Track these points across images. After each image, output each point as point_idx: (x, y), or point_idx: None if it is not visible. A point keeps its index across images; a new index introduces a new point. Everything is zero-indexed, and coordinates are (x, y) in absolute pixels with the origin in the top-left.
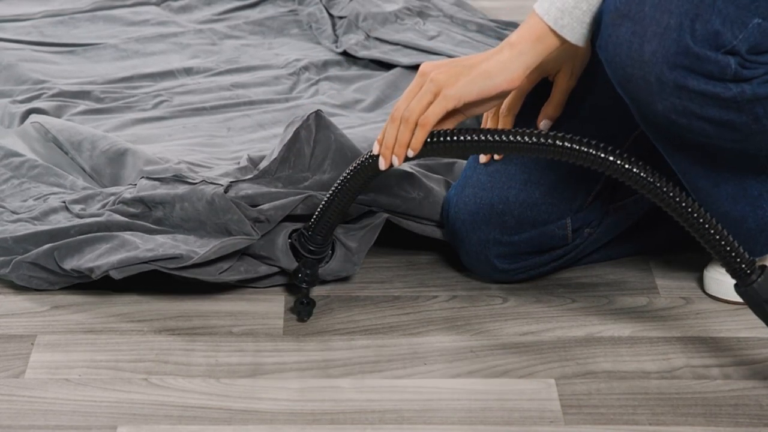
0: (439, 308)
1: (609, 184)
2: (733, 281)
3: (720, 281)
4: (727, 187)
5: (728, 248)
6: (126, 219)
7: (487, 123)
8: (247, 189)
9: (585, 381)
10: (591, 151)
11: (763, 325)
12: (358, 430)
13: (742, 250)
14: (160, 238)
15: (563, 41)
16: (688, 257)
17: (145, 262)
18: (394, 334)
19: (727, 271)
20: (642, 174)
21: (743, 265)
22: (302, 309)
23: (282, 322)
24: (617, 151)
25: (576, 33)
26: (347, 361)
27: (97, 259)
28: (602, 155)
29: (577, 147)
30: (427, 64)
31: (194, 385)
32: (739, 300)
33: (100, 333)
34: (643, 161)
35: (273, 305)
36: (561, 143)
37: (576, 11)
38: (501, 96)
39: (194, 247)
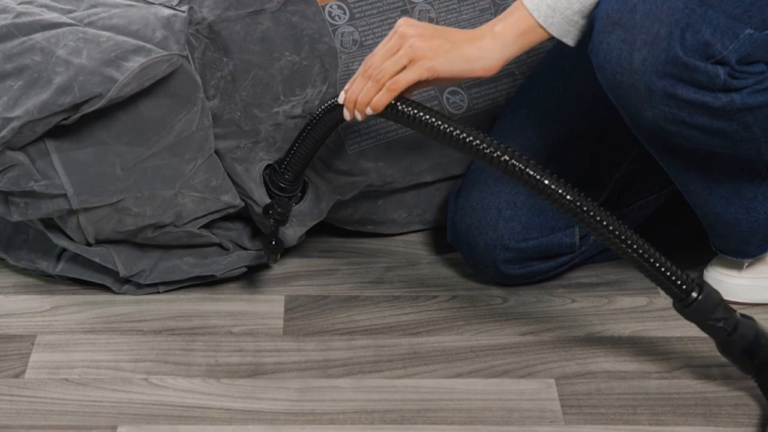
0: (439, 308)
1: (615, 192)
2: (732, 281)
3: (720, 281)
4: (720, 190)
5: (665, 271)
6: None
7: None
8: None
9: (585, 381)
10: (528, 170)
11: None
12: (358, 430)
13: (679, 271)
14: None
15: (549, 37)
16: (688, 258)
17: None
18: (394, 334)
19: (666, 293)
20: (569, 198)
21: (684, 286)
22: (270, 249)
23: (282, 322)
24: (552, 175)
25: (562, 29)
26: (347, 361)
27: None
28: (538, 177)
29: (514, 162)
30: (408, 25)
31: (194, 385)
32: (740, 300)
33: (100, 333)
34: (571, 185)
35: (273, 305)
36: (496, 153)
37: (567, 11)
38: (474, 79)
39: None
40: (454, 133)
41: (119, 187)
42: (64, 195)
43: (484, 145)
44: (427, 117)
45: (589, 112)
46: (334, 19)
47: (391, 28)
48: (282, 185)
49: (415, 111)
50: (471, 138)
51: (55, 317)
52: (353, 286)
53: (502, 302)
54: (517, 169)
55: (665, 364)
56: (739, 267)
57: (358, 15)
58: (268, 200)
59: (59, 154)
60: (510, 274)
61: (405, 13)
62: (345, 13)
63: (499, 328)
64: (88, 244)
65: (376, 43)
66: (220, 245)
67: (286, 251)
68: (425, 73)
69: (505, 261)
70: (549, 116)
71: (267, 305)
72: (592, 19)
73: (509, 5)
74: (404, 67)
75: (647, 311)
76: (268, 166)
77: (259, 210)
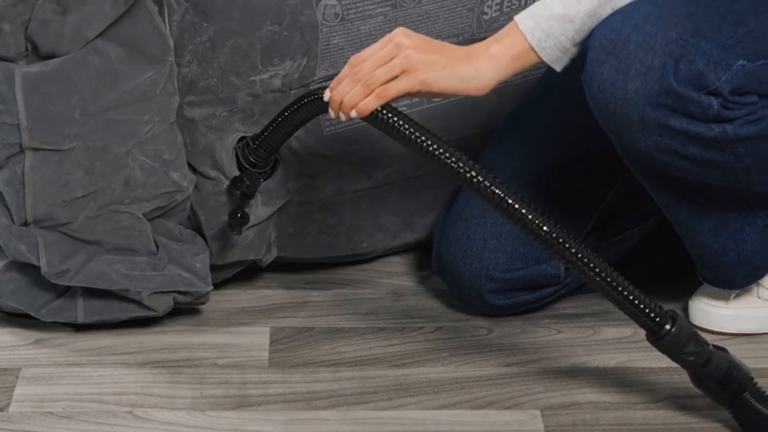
0: (425, 339)
1: (600, 223)
2: (718, 311)
3: (705, 312)
4: (709, 221)
5: (638, 303)
6: None
7: None
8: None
9: (570, 412)
10: (506, 198)
11: (747, 356)
12: None
13: (652, 304)
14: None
15: (541, 61)
16: (673, 288)
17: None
18: (380, 366)
19: (639, 326)
20: (537, 222)
21: (657, 319)
22: (234, 221)
23: (267, 353)
24: (525, 201)
25: (553, 55)
26: (332, 392)
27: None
28: (516, 206)
29: (492, 187)
30: (405, 35)
31: (179, 418)
32: (725, 331)
33: (85, 366)
34: (540, 210)
35: (258, 337)
36: (476, 177)
37: (561, 37)
38: (463, 97)
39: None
40: (437, 152)
41: (74, 132)
42: (17, 126)
43: (466, 168)
44: (411, 130)
45: (575, 143)
46: None
47: (375, 4)
48: (253, 160)
49: (401, 122)
50: (453, 159)
51: (39, 350)
52: (338, 317)
53: (488, 333)
54: (495, 195)
55: (650, 394)
56: (725, 298)
57: None
58: (237, 172)
59: (24, 81)
60: (495, 304)
61: None
62: None
63: (484, 359)
64: (25, 225)
65: (357, 17)
66: (155, 255)
67: (271, 283)
68: (417, 85)
69: (490, 291)
70: (535, 145)
71: (252, 337)
72: (585, 48)
73: None
74: (395, 77)
75: (632, 342)
76: (241, 139)
77: (226, 182)
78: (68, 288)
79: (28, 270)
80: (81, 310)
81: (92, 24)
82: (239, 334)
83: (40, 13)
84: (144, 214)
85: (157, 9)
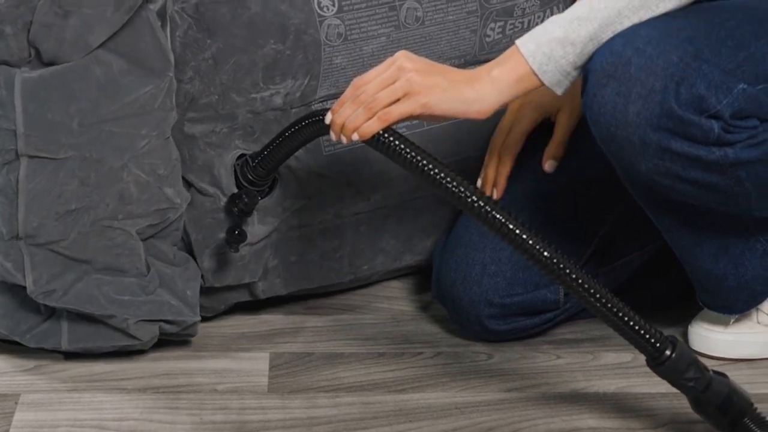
0: (424, 365)
1: (600, 248)
2: (718, 337)
3: (705, 337)
4: (709, 246)
5: (639, 329)
6: None
7: (488, 163)
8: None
9: None
10: (501, 219)
11: (747, 381)
12: None
13: (652, 329)
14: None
15: (542, 85)
16: (673, 313)
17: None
18: (379, 391)
19: (640, 351)
20: (545, 253)
21: (657, 344)
22: (232, 238)
23: (267, 379)
24: (526, 226)
25: (554, 79)
26: (332, 418)
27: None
28: (517, 231)
29: (490, 211)
30: (407, 58)
31: None
32: (725, 356)
33: (84, 392)
34: (541, 236)
35: (258, 362)
36: (477, 201)
37: (562, 61)
38: (465, 120)
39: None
40: (438, 176)
41: (71, 141)
42: (14, 132)
43: (467, 192)
44: (413, 154)
45: (575, 167)
46: (322, 10)
47: (378, 24)
48: (252, 178)
49: (402, 145)
50: (454, 183)
51: (38, 376)
52: (338, 342)
53: (487, 358)
54: (495, 220)
55: (650, 420)
56: (725, 323)
57: (346, 8)
58: (235, 189)
59: (23, 87)
60: (494, 329)
61: (393, 9)
62: (334, 5)
63: (484, 384)
64: (15, 239)
65: (360, 38)
66: (146, 277)
67: (270, 308)
68: (419, 108)
69: (490, 316)
70: (534, 170)
71: (251, 362)
72: (585, 72)
73: (496, 10)
74: (398, 100)
75: (632, 367)
76: (241, 156)
77: (224, 198)
78: (53, 312)
79: (15, 292)
80: (66, 336)
81: (94, 30)
82: (238, 360)
83: (41, 15)
84: (137, 232)
85: (159, 23)
